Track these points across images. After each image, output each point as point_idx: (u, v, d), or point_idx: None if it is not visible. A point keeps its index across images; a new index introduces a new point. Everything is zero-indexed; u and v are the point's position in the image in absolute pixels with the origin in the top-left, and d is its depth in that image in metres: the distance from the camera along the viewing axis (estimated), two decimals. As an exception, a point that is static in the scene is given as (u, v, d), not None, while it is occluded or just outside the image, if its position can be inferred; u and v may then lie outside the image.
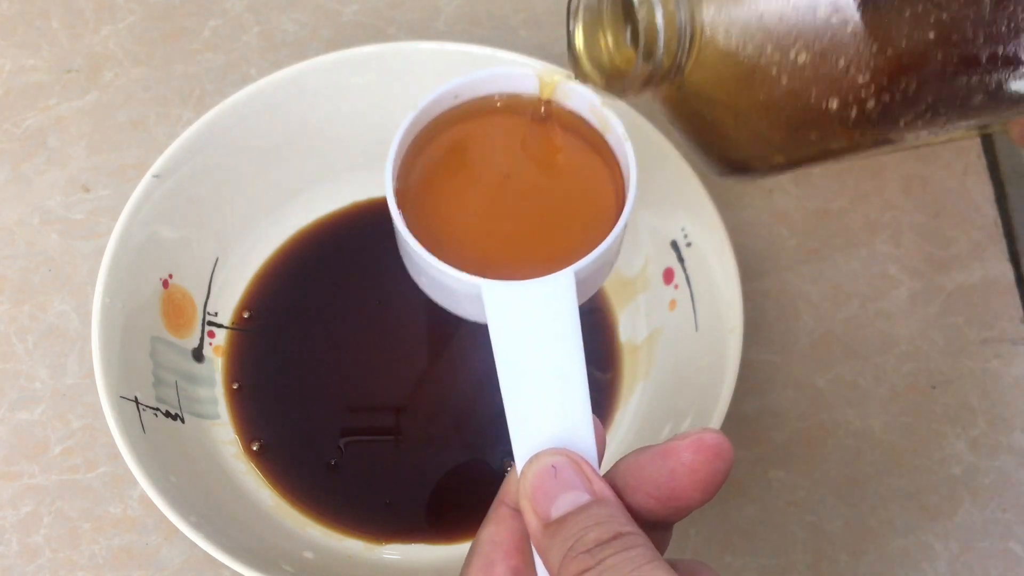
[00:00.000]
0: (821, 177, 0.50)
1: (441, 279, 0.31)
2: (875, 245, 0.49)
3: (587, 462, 0.27)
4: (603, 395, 0.44)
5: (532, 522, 0.26)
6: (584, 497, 0.26)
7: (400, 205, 0.33)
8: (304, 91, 0.45)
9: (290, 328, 0.45)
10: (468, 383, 0.46)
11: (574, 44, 0.35)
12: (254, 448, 0.43)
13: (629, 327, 0.45)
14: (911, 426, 0.45)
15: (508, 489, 0.28)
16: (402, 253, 0.34)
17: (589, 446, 0.27)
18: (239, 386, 0.44)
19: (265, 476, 0.42)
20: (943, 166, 0.51)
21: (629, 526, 0.25)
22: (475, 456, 0.44)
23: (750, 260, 0.48)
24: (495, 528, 0.28)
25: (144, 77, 0.52)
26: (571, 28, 0.35)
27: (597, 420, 0.28)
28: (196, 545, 0.36)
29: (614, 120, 0.34)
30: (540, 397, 0.28)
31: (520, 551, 0.27)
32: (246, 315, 0.45)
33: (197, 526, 0.37)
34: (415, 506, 0.42)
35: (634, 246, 0.46)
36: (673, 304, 0.44)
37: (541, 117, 0.35)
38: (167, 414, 0.41)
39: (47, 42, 0.52)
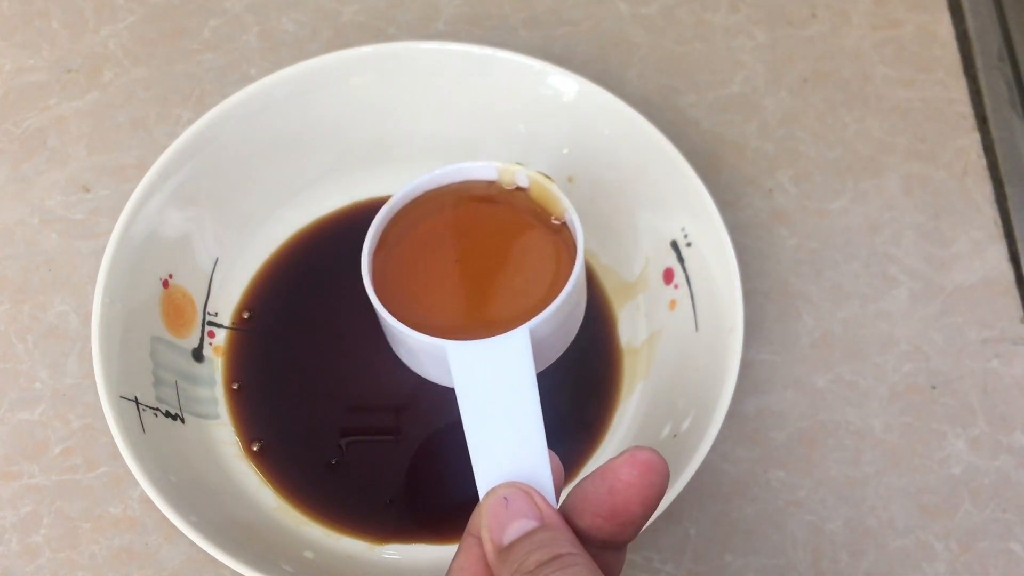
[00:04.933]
0: (821, 177, 0.50)
1: (413, 345, 0.35)
2: (875, 245, 0.49)
3: (538, 493, 0.29)
4: (602, 395, 0.44)
5: (488, 549, 0.28)
6: (531, 524, 0.28)
7: (377, 288, 0.36)
8: (304, 91, 0.45)
9: (290, 328, 0.45)
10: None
11: None
12: (254, 448, 0.43)
13: (629, 327, 0.45)
14: (911, 426, 0.45)
15: (473, 520, 0.30)
16: (384, 330, 0.38)
17: (544, 479, 0.30)
18: (239, 386, 0.44)
19: (265, 476, 0.42)
20: (943, 166, 0.51)
21: (569, 547, 0.27)
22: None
23: (750, 260, 0.48)
24: (463, 556, 0.29)
25: (144, 77, 0.52)
26: None
27: (555, 457, 0.31)
28: (196, 545, 0.36)
29: (559, 193, 0.38)
30: (499, 439, 0.31)
31: None
32: (246, 315, 0.45)
33: (197, 526, 0.37)
34: (415, 506, 0.42)
35: (634, 246, 0.46)
36: (673, 304, 0.44)
37: (496, 199, 0.39)
38: (167, 414, 0.41)
39: (47, 42, 0.52)
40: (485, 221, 0.38)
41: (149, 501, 0.39)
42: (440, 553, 0.41)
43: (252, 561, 0.37)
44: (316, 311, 0.46)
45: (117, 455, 0.38)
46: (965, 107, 0.52)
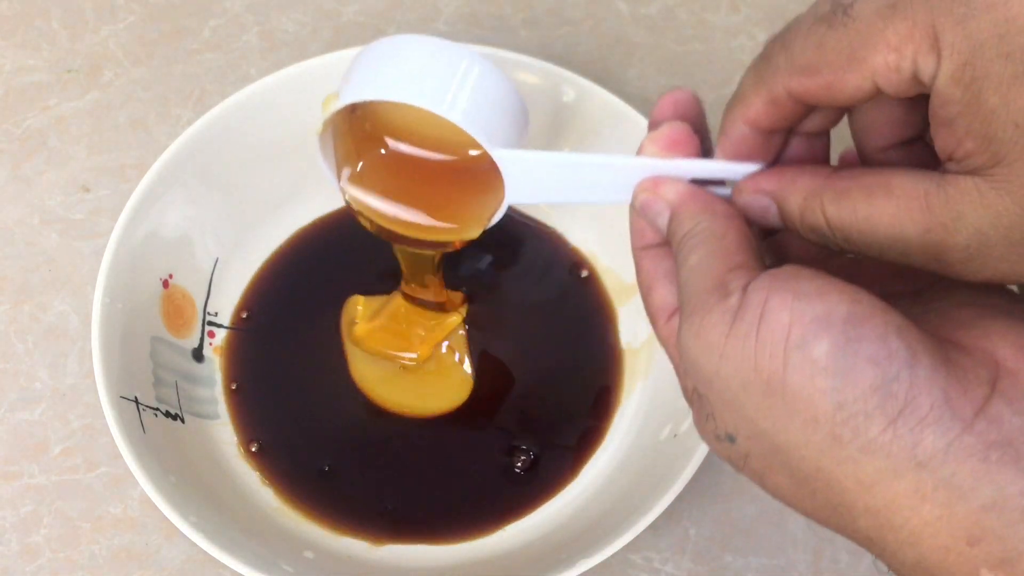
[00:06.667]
0: (821, 177, 0.50)
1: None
2: (875, 245, 0.49)
3: (651, 186, 0.31)
4: (602, 395, 0.44)
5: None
6: (664, 217, 0.31)
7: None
8: (304, 91, 0.45)
9: (290, 328, 0.45)
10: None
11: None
12: (253, 448, 0.43)
13: (629, 328, 0.45)
14: (911, 426, 0.45)
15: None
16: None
17: (642, 164, 0.31)
18: (238, 386, 0.44)
19: (265, 476, 0.42)
20: (943, 166, 0.51)
21: (688, 224, 0.30)
22: (475, 456, 0.43)
23: (750, 260, 0.48)
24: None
25: (144, 77, 0.52)
26: None
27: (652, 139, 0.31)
28: (196, 545, 0.36)
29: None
30: (592, 184, 0.33)
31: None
32: (245, 315, 0.45)
33: (197, 526, 0.37)
34: (415, 506, 0.42)
35: (634, 246, 0.46)
36: (673, 304, 0.44)
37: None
38: (167, 414, 0.41)
39: (47, 42, 0.52)
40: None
41: (149, 501, 0.39)
42: (440, 553, 0.41)
43: (252, 561, 0.37)
44: (315, 311, 0.46)
45: (117, 455, 0.38)
46: (965, 107, 0.52)
